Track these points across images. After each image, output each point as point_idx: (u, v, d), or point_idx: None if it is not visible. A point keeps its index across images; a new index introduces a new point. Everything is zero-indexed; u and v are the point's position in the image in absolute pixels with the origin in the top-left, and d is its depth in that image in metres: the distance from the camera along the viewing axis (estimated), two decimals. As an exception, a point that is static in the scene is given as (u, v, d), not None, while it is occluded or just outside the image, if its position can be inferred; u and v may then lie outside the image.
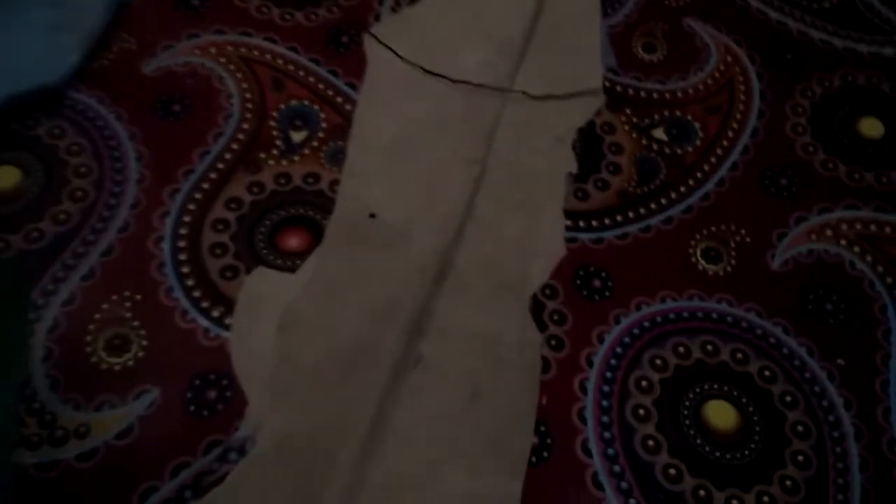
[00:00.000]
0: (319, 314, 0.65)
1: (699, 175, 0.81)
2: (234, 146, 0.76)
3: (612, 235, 0.76)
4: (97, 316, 0.64)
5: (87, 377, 0.61)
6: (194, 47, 0.82)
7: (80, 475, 0.57)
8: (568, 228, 0.75)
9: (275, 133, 0.78)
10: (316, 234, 0.71)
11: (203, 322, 0.65)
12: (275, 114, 0.79)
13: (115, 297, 0.65)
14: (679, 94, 0.87)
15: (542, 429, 0.64)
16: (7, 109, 0.72)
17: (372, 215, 0.73)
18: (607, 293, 0.72)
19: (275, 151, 0.76)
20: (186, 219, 0.70)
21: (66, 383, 0.61)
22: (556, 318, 0.70)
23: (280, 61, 0.82)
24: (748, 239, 0.77)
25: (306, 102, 0.80)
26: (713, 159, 0.83)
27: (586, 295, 0.72)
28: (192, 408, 0.61)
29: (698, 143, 0.84)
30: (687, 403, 0.67)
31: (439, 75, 0.83)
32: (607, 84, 0.86)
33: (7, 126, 0.73)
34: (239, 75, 0.81)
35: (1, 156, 0.71)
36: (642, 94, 0.86)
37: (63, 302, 0.64)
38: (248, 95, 0.79)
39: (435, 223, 0.72)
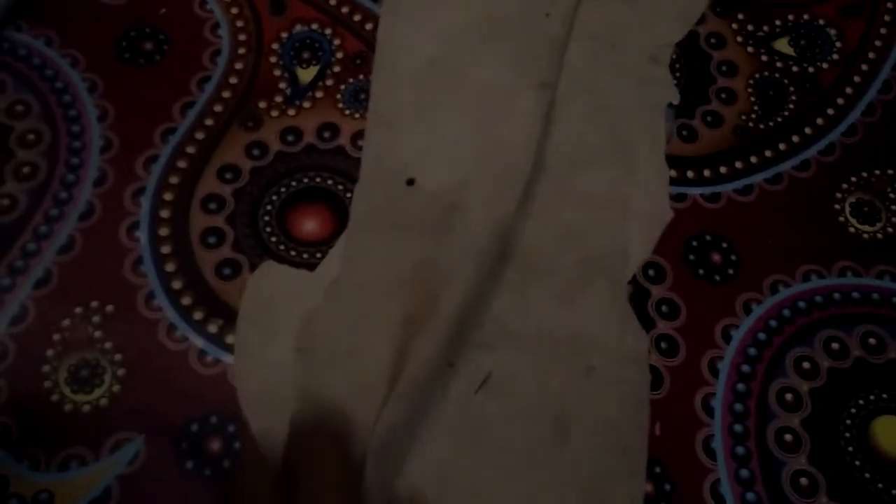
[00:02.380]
0: (349, 330, 0.49)
1: (840, 101, 0.62)
2: (226, 94, 0.58)
3: (732, 189, 0.58)
4: (57, 337, 0.49)
5: (48, 423, 0.46)
6: (167, -39, 0.63)
7: (43, 565, 0.43)
8: (672, 181, 0.57)
9: (277, 73, 0.60)
10: (340, 213, 0.54)
11: (197, 341, 0.49)
12: (276, 46, 0.61)
13: (79, 311, 0.50)
14: (808, -9, 0.66)
15: (658, 470, 0.48)
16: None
17: (410, 182, 0.55)
18: (731, 271, 0.55)
19: (278, 98, 0.59)
20: (168, 197, 0.54)
21: (19, 434, 0.46)
22: (664, 309, 0.53)
23: (279, -26, 0.64)
24: (912, 186, 0.58)
25: (315, 27, 0.62)
26: (857, 78, 0.63)
27: (703, 275, 0.54)
28: (188, 464, 0.46)
29: (836, 56, 0.64)
30: (848, 422, 0.50)
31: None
32: (712, -20, 0.66)
33: (-71, 82, 0.56)
34: (227, -4, 0.62)
35: (-78, 123, 0.55)
36: (760, -8, 0.66)
37: (11, 320, 0.49)
38: (239, 24, 0.61)
39: (492, 184, 0.54)
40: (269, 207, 0.54)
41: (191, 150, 0.56)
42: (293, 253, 0.53)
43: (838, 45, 0.64)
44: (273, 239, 0.53)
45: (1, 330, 0.49)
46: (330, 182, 0.55)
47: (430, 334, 0.47)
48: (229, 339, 0.49)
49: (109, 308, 0.50)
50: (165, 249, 0.52)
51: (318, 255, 0.53)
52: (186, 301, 0.50)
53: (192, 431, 0.47)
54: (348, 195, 0.55)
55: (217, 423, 0.47)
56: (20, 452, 0.46)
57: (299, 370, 0.47)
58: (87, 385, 0.48)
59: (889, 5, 0.66)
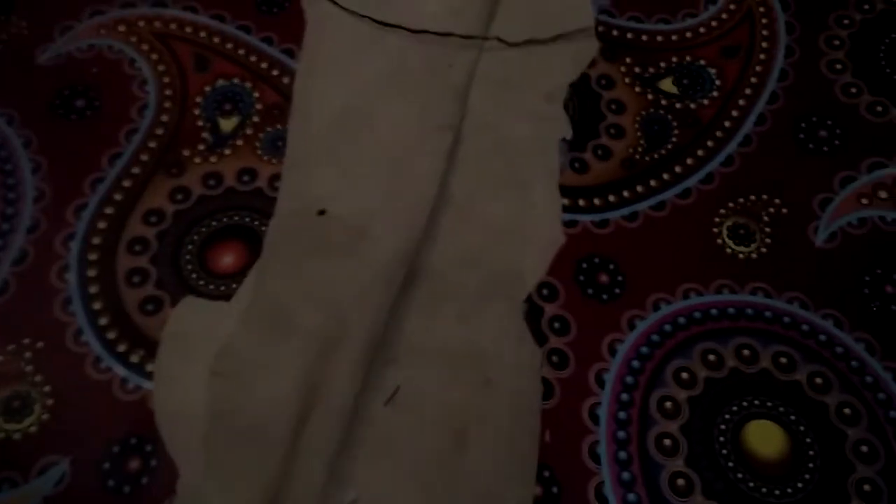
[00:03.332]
0: (261, 351, 0.54)
1: (719, 134, 0.69)
2: (152, 144, 0.64)
3: (619, 216, 0.64)
4: (-11, 374, 0.54)
5: (-21, 453, 0.51)
6: (99, 27, 0.70)
7: (-27, 583, 0.48)
8: (565, 209, 0.64)
9: (200, 123, 0.66)
10: (255, 247, 0.60)
11: (120, 371, 0.54)
12: (199, 99, 0.67)
13: (11, 347, 0.54)
14: (688, 35, 0.74)
15: (546, 474, 0.53)
16: None
17: (321, 212, 0.61)
18: (617, 290, 0.61)
19: (201, 146, 0.65)
20: (96, 241, 0.59)
21: (-48, 463, 0.51)
22: (556, 325, 0.59)
23: (203, 34, 0.70)
24: (784, 210, 0.65)
25: (236, 81, 0.68)
26: (735, 113, 0.70)
27: (592, 294, 0.61)
28: (110, 482, 0.50)
29: (715, 93, 0.71)
30: (723, 427, 0.56)
31: (395, 26, 0.71)
32: (601, 29, 0.73)
33: None
34: (154, 56, 0.68)
35: None
36: (644, 37, 0.73)
37: (-54, 359, 0.54)
38: (166, 80, 0.67)
39: (400, 213, 0.61)
40: (189, 247, 0.60)
41: (118, 196, 0.62)
42: (212, 287, 0.58)
43: (718, 83, 0.72)
44: (193, 275, 0.59)
45: (-64, 368, 0.54)
46: (247, 219, 0.61)
47: (343, 352, 0.53)
48: (149, 368, 0.55)
49: (40, 344, 0.55)
50: (93, 289, 0.58)
51: (234, 285, 0.58)
52: (111, 335, 0.56)
53: (114, 452, 0.52)
54: (264, 229, 0.61)
55: (136, 444, 0.52)
56: (-47, 479, 0.50)
57: (214, 392, 0.53)
58: (17, 415, 0.53)
59: (764, 44, 0.74)
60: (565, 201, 0.65)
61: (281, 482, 0.50)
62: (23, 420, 0.52)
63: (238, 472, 0.50)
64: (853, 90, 0.71)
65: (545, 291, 0.60)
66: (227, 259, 0.60)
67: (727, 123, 0.70)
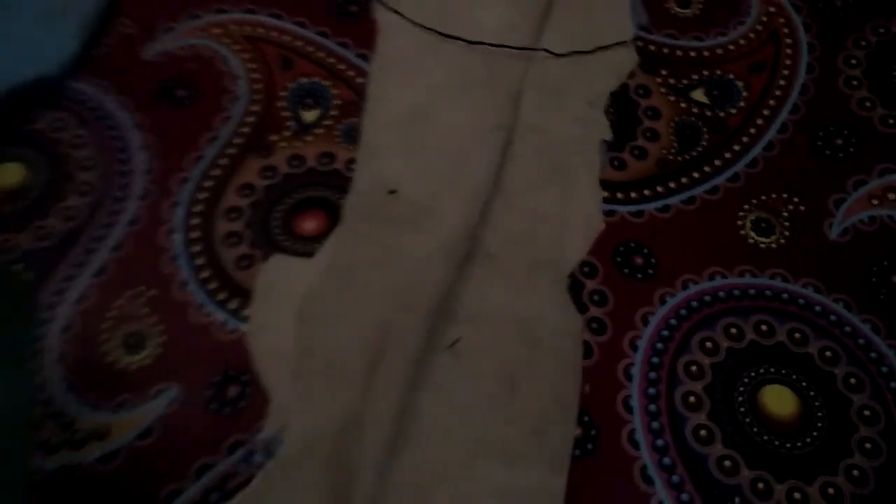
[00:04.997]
0: (340, 301, 0.66)
1: (745, 139, 0.81)
2: (244, 130, 0.77)
3: (653, 208, 0.76)
4: (111, 313, 0.66)
5: (105, 377, 0.63)
6: (196, 29, 0.83)
7: (102, 479, 0.59)
8: (605, 200, 0.75)
9: (285, 114, 0.79)
10: (333, 216, 0.72)
11: (220, 315, 0.66)
12: (284, 94, 0.80)
13: (128, 294, 0.67)
14: (719, 52, 0.86)
15: (586, 419, 0.64)
16: (6, 103, 0.74)
17: (392, 192, 0.73)
18: (650, 271, 0.72)
19: (286, 133, 0.77)
20: (197, 208, 0.72)
21: (83, 384, 0.62)
22: (596, 298, 0.70)
23: (287, 38, 0.83)
24: (802, 208, 0.76)
25: (317, 79, 0.81)
26: (759, 121, 0.82)
27: (628, 273, 0.72)
28: (213, 406, 0.62)
29: (742, 103, 0.83)
30: (741, 389, 0.67)
31: (455, 38, 0.84)
32: (640, 43, 0.86)
33: (7, 121, 0.75)
34: (244, 55, 0.82)
35: (3, 152, 0.73)
36: (678, 52, 0.85)
37: (75, 300, 0.66)
38: (255, 76, 0.80)
39: (460, 197, 0.73)
40: (277, 214, 0.72)
41: (215, 172, 0.74)
42: (297, 247, 0.71)
43: (745, 94, 0.84)
44: (281, 237, 0.71)
45: (68, 308, 0.66)
46: (327, 194, 0.74)
47: (411, 308, 0.65)
48: (245, 313, 0.66)
49: (153, 292, 0.67)
50: (196, 248, 0.70)
51: (316, 246, 0.70)
52: (212, 286, 0.68)
53: (215, 382, 0.63)
54: (341, 201, 0.73)
55: (234, 375, 0.64)
56: (84, 398, 0.62)
57: (300, 334, 0.65)
58: (135, 349, 0.64)
59: (787, 62, 0.85)
60: (605, 194, 0.76)
61: (358, 410, 0.61)
62: (139, 353, 0.64)
63: (321, 400, 0.62)
64: (868, 104, 0.82)
65: (586, 269, 0.72)
66: (310, 225, 0.72)
67: (752, 130, 0.81)
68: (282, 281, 0.68)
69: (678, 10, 0.88)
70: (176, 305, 0.67)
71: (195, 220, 0.71)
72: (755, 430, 0.65)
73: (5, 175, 0.72)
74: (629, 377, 0.67)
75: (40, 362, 0.62)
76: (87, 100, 0.77)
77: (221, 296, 0.67)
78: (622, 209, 0.75)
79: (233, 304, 0.67)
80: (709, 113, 0.82)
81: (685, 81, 0.84)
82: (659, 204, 0.76)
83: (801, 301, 0.71)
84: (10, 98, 0.74)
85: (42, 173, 0.73)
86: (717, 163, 0.79)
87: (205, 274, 0.68)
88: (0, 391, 0.53)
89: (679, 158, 0.79)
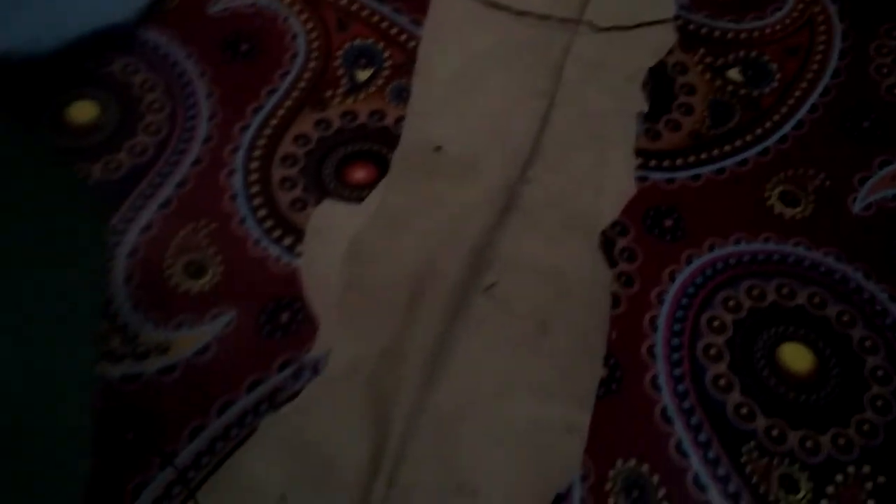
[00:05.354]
0: (385, 242, 0.72)
1: (776, 117, 0.85)
2: (301, 85, 0.82)
3: (685, 176, 0.80)
4: (174, 242, 0.71)
5: (167, 299, 0.68)
6: (260, -12, 0.89)
7: (162, 387, 0.64)
8: (638, 167, 0.80)
9: (340, 72, 0.84)
10: (382, 168, 0.77)
11: (274, 250, 0.72)
12: (339, 53, 0.85)
13: (191, 226, 0.72)
14: (755, 34, 0.90)
15: (612, 362, 0.68)
16: (82, 47, 0.80)
17: (437, 149, 0.78)
18: (679, 233, 0.76)
19: (340, 90, 0.83)
20: (256, 154, 0.77)
21: (146, 304, 0.68)
22: (626, 255, 0.74)
23: (344, 1, 0.89)
24: (828, 183, 0.80)
25: (371, 41, 0.86)
26: (791, 101, 0.86)
27: (657, 234, 0.76)
28: (266, 329, 0.67)
29: (775, 84, 0.87)
30: (761, 344, 0.71)
31: (503, 7, 0.89)
32: (680, 22, 0.90)
33: (83, 63, 0.81)
34: (304, 16, 0.87)
35: (79, 91, 0.79)
36: (716, 33, 0.90)
37: (142, 229, 0.72)
38: (313, 35, 0.86)
39: (501, 157, 0.78)
40: (329, 164, 0.77)
41: (274, 122, 0.80)
42: (346, 193, 0.76)
43: (778, 76, 0.88)
44: (332, 184, 0.76)
45: (134, 235, 0.71)
46: (376, 148, 0.79)
47: (451, 250, 0.70)
48: (298, 249, 0.72)
49: (213, 225, 0.73)
50: (254, 190, 0.75)
51: (365, 193, 0.76)
52: (268, 224, 0.73)
53: (269, 309, 0.68)
54: (389, 155, 0.78)
55: (287, 303, 0.69)
56: (148, 316, 0.67)
57: (347, 269, 0.70)
58: (195, 275, 0.70)
59: (821, 47, 0.89)
60: (639, 161, 0.80)
61: (398, 339, 0.66)
62: (199, 279, 0.70)
63: (365, 328, 0.67)
64: (896, 91, 0.86)
65: (618, 228, 0.76)
66: (360, 174, 0.77)
67: (784, 109, 0.85)
68: (332, 222, 0.73)
69: (717, -7, 0.93)
70: (234, 239, 0.72)
71: (254, 164, 0.77)
72: (772, 382, 0.69)
73: (80, 112, 0.78)
74: (654, 328, 0.71)
75: (109, 278, 0.68)
76: (157, 48, 0.83)
77: (276, 233, 0.73)
78: (655, 176, 0.80)
79: (287, 241, 0.72)
80: (742, 92, 0.86)
81: (721, 61, 0.88)
82: (690, 173, 0.80)
83: (821, 268, 0.75)
84: (86, 42, 0.80)
85: (114, 112, 0.79)
86: (748, 138, 0.83)
87: (261, 213, 0.74)
88: (77, 283, 0.57)
89: (712, 132, 0.83)
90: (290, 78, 0.83)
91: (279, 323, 0.68)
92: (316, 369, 0.65)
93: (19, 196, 0.53)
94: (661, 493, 0.63)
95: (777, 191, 0.80)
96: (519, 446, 0.64)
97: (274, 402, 0.64)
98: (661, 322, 0.71)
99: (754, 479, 0.64)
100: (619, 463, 0.64)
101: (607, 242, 0.75)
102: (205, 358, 0.66)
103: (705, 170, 0.81)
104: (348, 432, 0.63)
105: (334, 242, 0.72)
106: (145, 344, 0.66)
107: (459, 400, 0.65)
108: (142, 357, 0.65)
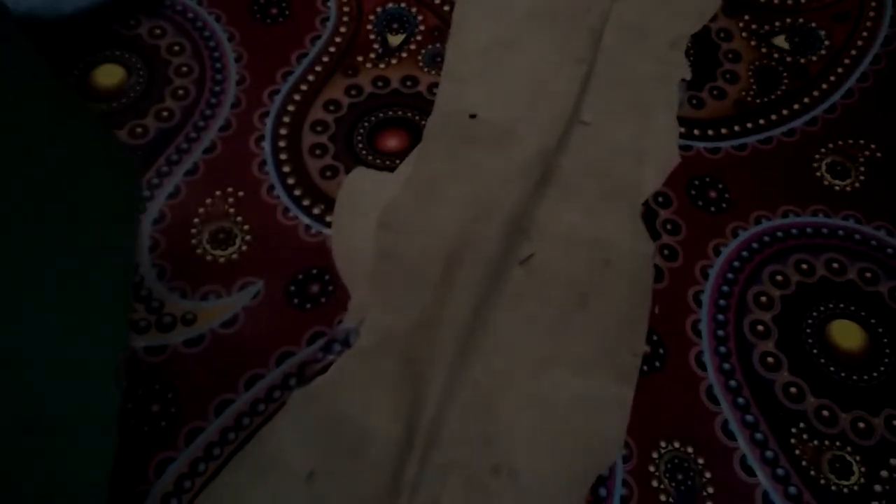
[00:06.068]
0: (419, 211, 0.66)
1: (824, 86, 0.78)
2: (332, 49, 0.77)
3: (730, 146, 0.74)
4: (201, 210, 0.67)
5: (193, 268, 0.64)
6: (290, -50, 0.83)
7: (188, 359, 0.60)
8: (682, 136, 0.74)
9: (372, 37, 0.78)
10: (415, 135, 0.72)
11: (304, 219, 0.67)
12: (372, 17, 0.80)
13: (218, 193, 0.68)
14: (802, 1, 0.83)
15: (655, 338, 0.63)
16: (109, 9, 0.75)
17: (472, 116, 0.73)
18: (724, 205, 0.70)
19: (372, 55, 0.77)
20: (286, 119, 0.72)
21: (172, 273, 0.63)
22: (669, 227, 0.69)
23: (377, -36, 0.83)
24: (879, 154, 0.74)
25: (403, 5, 0.81)
26: (840, 69, 0.79)
27: (702, 206, 0.70)
28: (295, 300, 0.63)
29: (823, 52, 0.81)
30: (810, 321, 0.65)
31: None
32: (725, -13, 0.83)
33: (109, 26, 0.76)
34: (335, -21, 0.82)
35: (104, 55, 0.74)
36: (763, -2, 0.83)
37: (168, 195, 0.67)
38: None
39: (538, 124, 0.72)
40: (361, 130, 0.72)
41: (304, 87, 0.74)
42: (378, 161, 0.71)
43: (826, 43, 0.81)
44: (363, 152, 0.71)
45: (160, 202, 0.67)
46: (409, 115, 0.73)
47: (488, 219, 0.65)
48: (328, 219, 0.67)
49: (241, 193, 0.68)
50: (283, 156, 0.70)
51: (397, 161, 0.70)
52: (297, 192, 0.68)
53: (299, 279, 0.64)
54: (423, 123, 0.73)
55: (316, 274, 0.64)
56: (173, 286, 0.63)
57: (379, 239, 0.65)
58: (223, 244, 0.65)
59: (871, 14, 0.82)
60: (682, 130, 0.75)
61: (432, 312, 0.61)
62: (226, 249, 0.65)
63: (397, 300, 0.62)
64: (952, 58, 0.79)
65: (660, 199, 0.70)
66: (392, 142, 0.72)
67: (832, 77, 0.79)
68: (363, 191, 0.68)
69: (763, -43, 0.86)
70: (263, 207, 0.67)
71: (283, 131, 0.72)
72: (822, 361, 0.63)
73: (107, 75, 0.73)
74: (699, 303, 0.65)
75: (137, 241, 0.63)
76: (184, 10, 0.78)
77: (306, 201, 0.68)
78: (699, 145, 0.74)
79: (317, 210, 0.67)
80: (789, 59, 0.80)
81: (767, 27, 0.81)
82: (735, 142, 0.74)
83: (873, 242, 0.69)
84: (112, 3, 0.75)
85: (141, 76, 0.74)
86: (795, 107, 0.77)
87: (291, 181, 0.69)
88: (109, 255, 0.54)
89: (758, 101, 0.77)
90: (320, 42, 0.77)
91: (309, 294, 0.63)
92: (347, 342, 0.61)
93: (55, 155, 0.49)
94: (707, 475, 0.58)
95: (826, 162, 0.73)
96: (559, 424, 0.59)
97: (303, 375, 0.59)
98: (706, 297, 0.66)
99: (804, 462, 0.59)
100: (662, 444, 0.59)
101: (649, 213, 0.70)
102: (232, 330, 0.61)
103: (751, 139, 0.75)
104: (380, 408, 0.58)
105: (366, 212, 0.67)
106: (171, 314, 0.62)
107: (496, 376, 0.60)
108: (167, 328, 0.61)
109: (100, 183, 0.54)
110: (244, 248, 0.65)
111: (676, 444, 0.59)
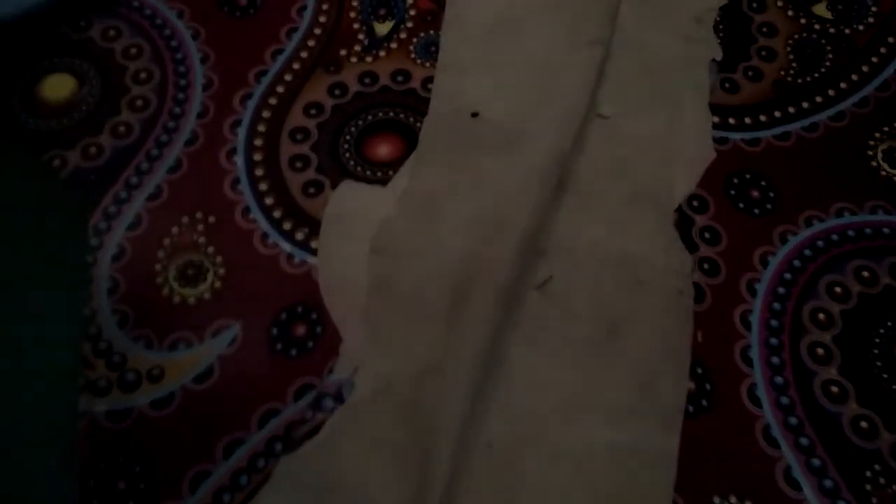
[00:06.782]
0: (419, 232, 0.55)
1: (874, 60, 0.66)
2: (311, 43, 0.65)
3: (771, 135, 0.63)
4: (167, 241, 0.56)
5: (159, 312, 0.53)
6: (260, -70, 0.71)
7: (156, 424, 0.49)
8: (715, 126, 0.62)
9: (356, 26, 0.67)
10: (410, 141, 0.61)
11: (286, 246, 0.56)
12: (355, 3, 0.68)
13: (185, 220, 0.57)
14: (846, -38, 0.71)
15: (699, 371, 0.53)
16: (56, 9, 0.64)
17: (474, 114, 0.61)
18: (769, 206, 0.59)
19: (357, 47, 0.65)
20: (261, 128, 0.61)
21: (135, 319, 0.53)
22: (707, 236, 0.58)
23: (359, -59, 0.71)
24: (942, 136, 0.62)
25: (392, -12, 0.69)
26: (891, 39, 0.67)
27: (743, 208, 0.59)
28: (278, 345, 0.52)
29: (871, 20, 0.68)
30: (877, 340, 0.54)
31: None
32: (756, -49, 0.71)
33: (57, 29, 0.64)
34: (313, -39, 0.70)
35: (53, 63, 0.63)
36: (801, -39, 0.71)
37: (128, 226, 0.56)
38: (324, -17, 0.69)
39: (551, 121, 0.60)
40: (348, 137, 0.61)
41: (280, 89, 0.63)
42: (368, 173, 0.59)
43: (874, 9, 0.69)
44: (351, 162, 0.60)
45: (119, 234, 0.56)
46: (402, 116, 0.62)
47: (500, 239, 0.54)
48: (313, 244, 0.56)
49: (211, 219, 0.57)
50: (259, 172, 0.59)
51: (390, 172, 0.59)
52: (277, 214, 0.57)
53: (282, 319, 0.53)
54: (418, 125, 0.61)
55: (302, 312, 0.53)
56: (136, 335, 0.52)
57: (373, 267, 0.54)
58: (192, 281, 0.54)
59: (923, -25, 0.70)
60: (716, 119, 0.63)
61: (439, 353, 0.50)
62: (197, 286, 0.54)
63: (397, 340, 0.51)
64: None
65: (695, 203, 0.59)
66: (383, 149, 0.60)
67: (883, 49, 0.67)
68: (352, 209, 0.57)
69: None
70: (238, 234, 0.56)
71: (258, 141, 0.60)
72: (895, 387, 0.52)
73: (54, 87, 0.62)
74: (747, 325, 0.54)
75: (90, 292, 0.53)
76: (141, 7, 0.66)
77: (287, 224, 0.57)
78: (735, 136, 0.62)
79: (300, 235, 0.56)
80: (832, 30, 0.68)
81: (805, -6, 0.70)
82: (777, 131, 0.63)
83: (944, 243, 0.58)
84: (59, 3, 0.63)
85: (94, 86, 0.62)
86: (842, 86, 0.65)
87: (269, 200, 0.58)
88: (53, 317, 0.43)
89: (799, 80, 0.65)
90: (298, 35, 0.66)
91: (294, 337, 0.52)
92: (340, 396, 0.50)
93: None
94: (771, 537, 0.48)
95: (882, 148, 0.62)
96: (593, 480, 0.49)
97: (291, 439, 0.49)
98: (756, 318, 0.55)
99: (881, 512, 0.49)
100: (716, 500, 0.48)
101: (683, 221, 0.58)
102: (206, 385, 0.51)
103: (794, 126, 0.63)
104: (383, 473, 0.48)
105: (356, 234, 0.56)
106: (134, 370, 0.51)
107: (517, 425, 0.50)
108: (131, 387, 0.50)
109: (37, 241, 0.43)
110: (217, 284, 0.54)
111: (733, 500, 0.48)
